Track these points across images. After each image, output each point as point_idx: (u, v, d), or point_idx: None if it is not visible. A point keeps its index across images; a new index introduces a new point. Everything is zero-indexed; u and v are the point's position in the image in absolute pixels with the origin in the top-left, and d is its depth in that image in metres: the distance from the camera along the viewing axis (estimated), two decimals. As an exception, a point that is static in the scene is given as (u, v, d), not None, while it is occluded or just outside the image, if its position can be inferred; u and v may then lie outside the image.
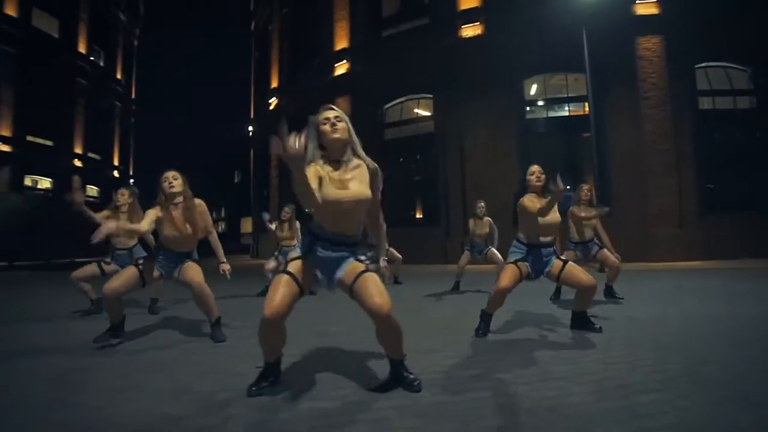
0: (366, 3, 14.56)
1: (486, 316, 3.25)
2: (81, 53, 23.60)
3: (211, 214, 3.55)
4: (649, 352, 2.58)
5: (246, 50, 25.23)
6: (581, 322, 3.28)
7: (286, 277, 1.95)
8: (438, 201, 12.64)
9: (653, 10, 10.64)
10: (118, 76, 28.03)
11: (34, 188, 20.80)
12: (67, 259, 17.64)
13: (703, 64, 10.69)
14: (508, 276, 3.15)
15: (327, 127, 1.99)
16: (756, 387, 1.93)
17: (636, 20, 10.68)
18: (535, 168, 3.27)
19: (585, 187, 4.73)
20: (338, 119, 2.00)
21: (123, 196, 4.24)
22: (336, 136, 1.98)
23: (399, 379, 2.05)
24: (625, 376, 2.13)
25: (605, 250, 4.62)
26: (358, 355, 2.68)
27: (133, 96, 31.20)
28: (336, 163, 2.00)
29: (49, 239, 15.40)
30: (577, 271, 3.10)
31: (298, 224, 5.97)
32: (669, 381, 2.04)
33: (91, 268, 4.29)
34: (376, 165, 2.07)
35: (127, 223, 3.92)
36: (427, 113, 13.51)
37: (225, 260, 3.40)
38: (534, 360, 2.47)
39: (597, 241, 4.72)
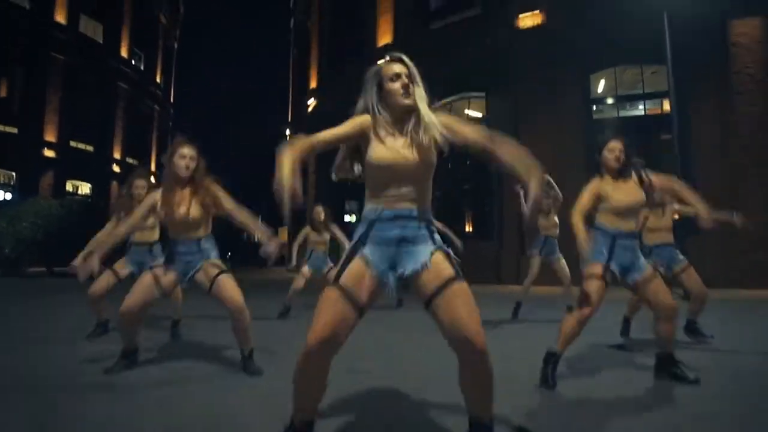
0: (412, -7, 14.53)
1: (553, 359, 2.67)
2: (123, 57, 25.31)
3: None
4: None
5: (285, 50, 26.03)
6: (668, 367, 2.76)
7: (334, 292, 1.59)
8: (492, 212, 12.30)
9: (750, -13, 9.85)
10: (158, 80, 29.73)
11: (74, 193, 22.35)
12: (105, 266, 18.81)
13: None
14: (593, 296, 2.63)
15: (396, 86, 1.72)
16: None
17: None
18: (615, 145, 2.88)
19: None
20: (413, 81, 1.73)
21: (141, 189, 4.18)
22: (407, 102, 1.71)
23: None
24: None
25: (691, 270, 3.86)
26: (396, 400, 2.46)
27: (172, 100, 33.00)
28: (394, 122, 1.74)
29: (84, 245, 16.43)
30: (664, 290, 2.70)
31: (335, 227, 5.86)
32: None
33: (105, 279, 4.00)
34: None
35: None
36: (479, 114, 13.22)
37: (264, 231, 2.84)
38: (607, 417, 2.16)
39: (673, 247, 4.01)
